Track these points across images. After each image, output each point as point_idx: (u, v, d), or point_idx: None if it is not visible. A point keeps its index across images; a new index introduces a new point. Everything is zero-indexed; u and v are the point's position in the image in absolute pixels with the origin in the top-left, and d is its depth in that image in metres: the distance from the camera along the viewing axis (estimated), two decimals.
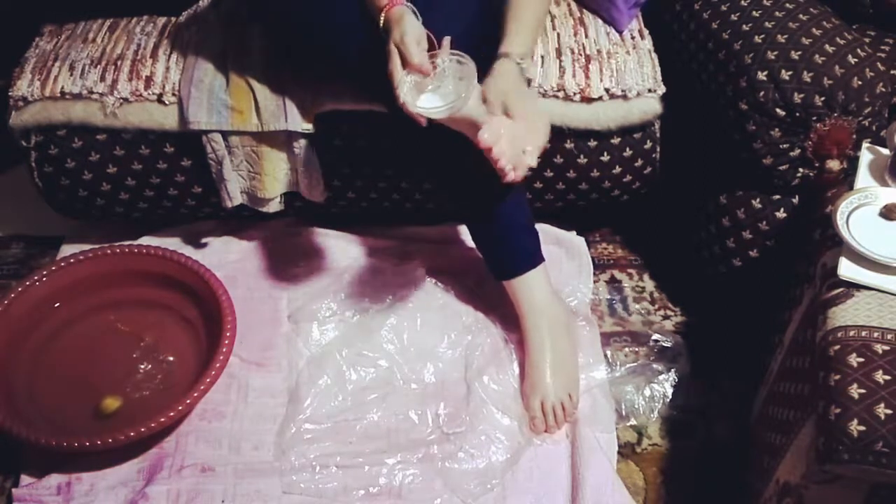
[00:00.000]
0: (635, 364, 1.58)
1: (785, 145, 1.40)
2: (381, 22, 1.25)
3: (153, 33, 1.64)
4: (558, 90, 1.54)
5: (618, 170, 1.62)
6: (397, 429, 1.46)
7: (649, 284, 1.75)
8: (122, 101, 1.55)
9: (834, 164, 1.40)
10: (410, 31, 1.21)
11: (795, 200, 1.46)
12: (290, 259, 1.72)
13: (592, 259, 1.77)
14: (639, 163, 1.62)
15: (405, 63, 1.21)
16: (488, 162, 1.27)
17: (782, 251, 1.46)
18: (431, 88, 1.24)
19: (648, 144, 1.61)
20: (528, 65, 1.37)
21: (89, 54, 1.60)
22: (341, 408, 1.48)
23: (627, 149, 1.60)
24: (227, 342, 1.45)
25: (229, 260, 1.72)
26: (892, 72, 1.42)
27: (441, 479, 1.39)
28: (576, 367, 1.51)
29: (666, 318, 1.68)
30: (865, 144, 1.36)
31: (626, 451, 1.46)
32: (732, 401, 1.51)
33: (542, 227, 1.74)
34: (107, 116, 1.55)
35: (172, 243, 1.72)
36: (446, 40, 1.24)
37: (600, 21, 1.67)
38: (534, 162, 1.29)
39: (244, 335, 1.54)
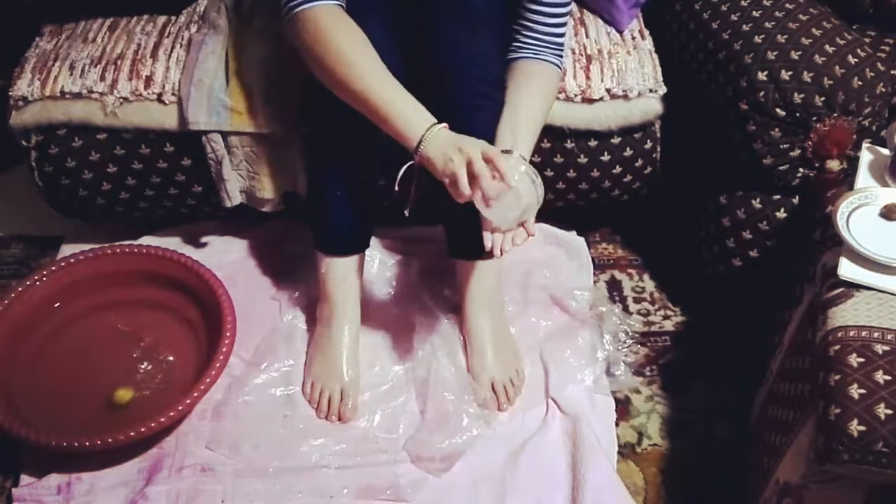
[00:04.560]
0: (635, 364, 1.58)
1: (785, 145, 1.40)
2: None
3: (153, 33, 1.64)
4: (559, 91, 1.54)
5: (618, 170, 1.62)
6: (398, 428, 1.46)
7: (649, 284, 1.75)
8: (122, 100, 1.55)
9: (834, 164, 1.40)
10: (479, 160, 1.20)
11: (795, 200, 1.46)
12: (290, 259, 1.72)
13: (592, 259, 1.77)
14: (639, 163, 1.62)
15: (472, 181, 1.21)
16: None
17: (782, 251, 1.47)
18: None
19: (648, 144, 1.61)
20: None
21: (89, 54, 1.60)
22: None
23: (627, 149, 1.61)
24: (227, 342, 1.45)
25: (229, 260, 1.72)
26: (892, 72, 1.42)
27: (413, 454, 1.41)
28: (514, 342, 1.55)
29: (666, 318, 1.68)
30: (865, 144, 1.36)
31: (626, 451, 1.46)
32: (732, 401, 1.51)
33: (541, 227, 1.75)
34: (107, 116, 1.55)
35: (172, 243, 1.72)
36: (516, 156, 1.27)
37: (601, 21, 1.67)
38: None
39: (244, 335, 1.54)
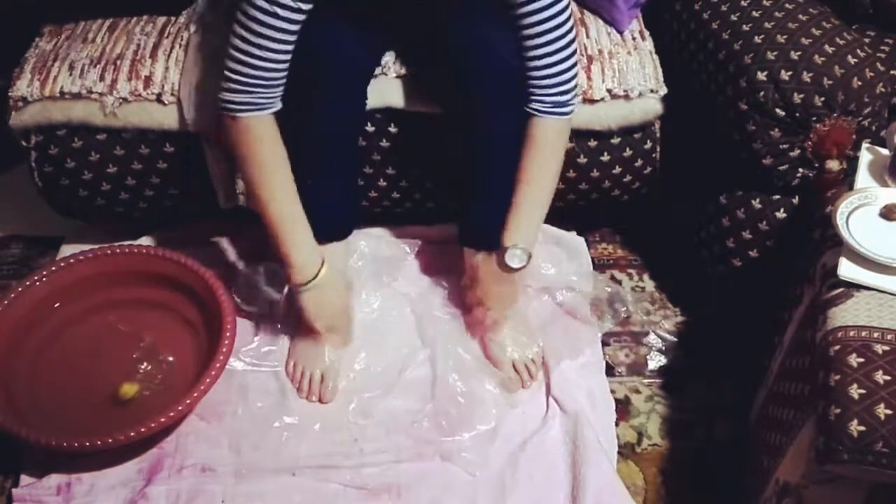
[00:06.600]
0: (635, 364, 1.58)
1: (785, 145, 1.40)
2: None
3: (153, 33, 1.64)
4: None
5: (618, 170, 1.62)
6: (397, 427, 1.46)
7: (649, 284, 1.75)
8: (121, 100, 1.54)
9: (834, 164, 1.40)
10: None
11: (795, 200, 1.46)
12: None
13: (592, 259, 1.77)
14: (639, 163, 1.62)
15: None
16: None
17: (782, 251, 1.47)
18: None
19: (648, 144, 1.61)
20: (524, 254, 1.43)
21: (89, 54, 1.60)
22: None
23: (627, 149, 1.61)
24: (227, 342, 1.45)
25: (229, 260, 1.72)
26: (892, 72, 1.42)
27: (439, 456, 1.42)
28: (527, 320, 1.57)
29: (666, 318, 1.68)
30: (865, 144, 1.36)
31: (626, 451, 1.46)
32: (732, 401, 1.51)
33: (542, 227, 1.74)
34: (106, 116, 1.55)
35: (172, 243, 1.72)
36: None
37: (601, 21, 1.67)
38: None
39: (244, 335, 1.54)
